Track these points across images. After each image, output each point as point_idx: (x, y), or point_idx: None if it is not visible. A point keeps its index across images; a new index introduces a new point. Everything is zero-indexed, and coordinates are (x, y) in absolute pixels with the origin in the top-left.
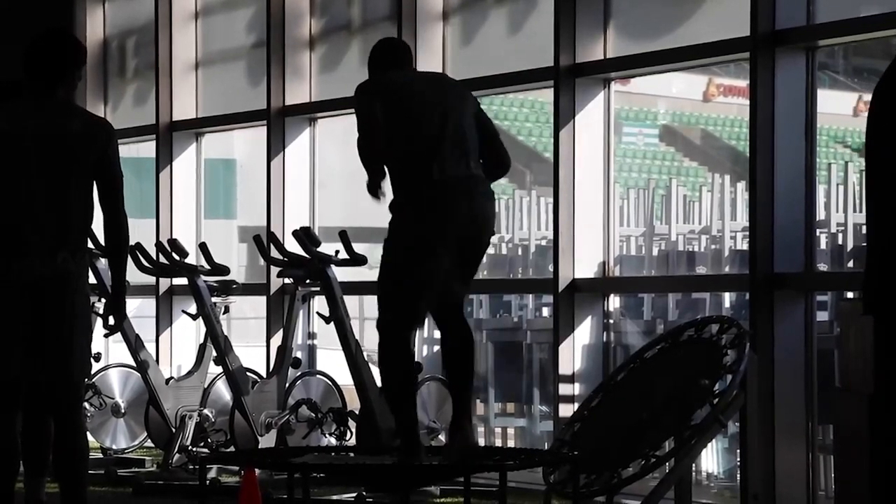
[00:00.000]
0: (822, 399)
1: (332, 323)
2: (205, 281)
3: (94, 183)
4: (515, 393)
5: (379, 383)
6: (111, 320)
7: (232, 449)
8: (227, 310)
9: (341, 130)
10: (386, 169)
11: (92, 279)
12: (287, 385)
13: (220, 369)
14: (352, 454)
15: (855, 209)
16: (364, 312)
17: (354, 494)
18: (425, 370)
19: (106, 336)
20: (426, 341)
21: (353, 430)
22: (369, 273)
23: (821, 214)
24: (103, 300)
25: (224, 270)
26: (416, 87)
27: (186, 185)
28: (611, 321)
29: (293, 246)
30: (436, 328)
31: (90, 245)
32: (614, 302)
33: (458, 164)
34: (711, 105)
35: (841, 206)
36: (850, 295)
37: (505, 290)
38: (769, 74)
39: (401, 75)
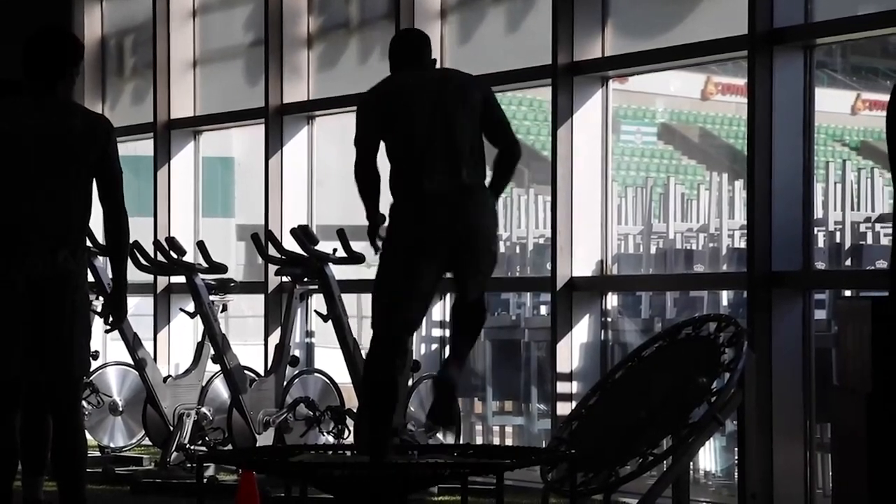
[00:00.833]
0: (820, 397)
1: (329, 321)
2: (203, 279)
3: (94, 181)
4: (513, 391)
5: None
6: (111, 318)
7: (230, 447)
8: (225, 308)
9: (339, 128)
10: (383, 215)
11: (90, 278)
12: (285, 383)
13: (218, 367)
14: (349, 453)
15: (853, 208)
16: (362, 311)
17: None
18: (423, 368)
19: (107, 332)
20: (424, 340)
21: (351, 428)
22: (367, 271)
23: (818, 213)
24: (101, 298)
25: (222, 269)
26: (415, 95)
27: (184, 183)
28: (609, 319)
29: (291, 244)
30: (434, 327)
31: (89, 243)
32: (612, 300)
33: (451, 176)
34: (709, 103)
35: (839, 205)
36: (847, 293)
37: (503, 289)
38: (767, 73)
39: (404, 80)
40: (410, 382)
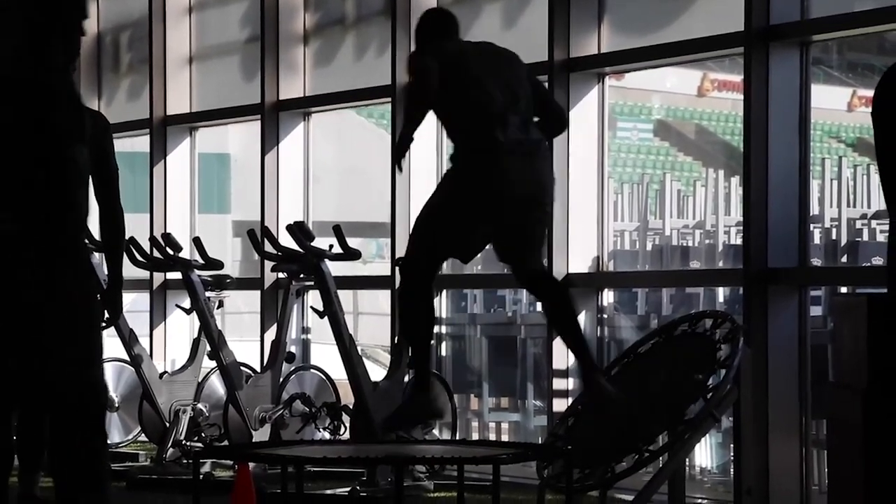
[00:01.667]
0: (816, 394)
1: (325, 317)
2: (199, 275)
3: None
4: (509, 388)
5: (404, 336)
6: (107, 314)
7: (226, 443)
8: (221, 304)
9: (335, 125)
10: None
11: None
12: (281, 379)
13: (214, 364)
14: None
15: (848, 204)
16: (358, 307)
17: (348, 489)
18: None
19: (102, 329)
20: None
21: (347, 424)
22: (363, 267)
23: (815, 209)
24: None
25: (218, 265)
26: (471, 56)
27: (180, 179)
28: (605, 316)
29: (287, 240)
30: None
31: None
32: (608, 296)
33: (520, 130)
34: (706, 100)
35: (835, 201)
36: (843, 290)
37: (499, 285)
38: (763, 69)
39: (453, 45)
40: (406, 379)
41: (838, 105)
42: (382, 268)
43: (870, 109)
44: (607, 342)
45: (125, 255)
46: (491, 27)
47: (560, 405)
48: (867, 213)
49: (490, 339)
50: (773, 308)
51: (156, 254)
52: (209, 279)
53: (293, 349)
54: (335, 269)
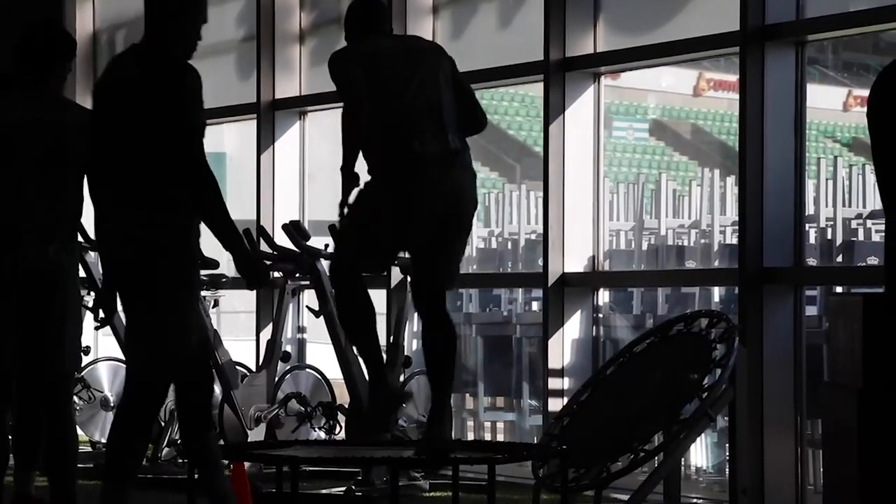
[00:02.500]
0: (811, 393)
1: (321, 317)
2: None
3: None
4: (505, 387)
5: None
6: (101, 314)
7: (221, 443)
8: (216, 303)
9: (332, 124)
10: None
11: (81, 273)
12: (276, 379)
13: None
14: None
15: (844, 204)
16: None
17: (343, 489)
18: (415, 364)
19: (96, 329)
20: (416, 335)
21: (343, 424)
22: None
23: (810, 209)
24: (93, 294)
25: (213, 264)
26: (393, 58)
27: None
28: (600, 315)
29: (283, 240)
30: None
31: (80, 238)
32: (604, 296)
33: (437, 139)
34: (701, 99)
35: (830, 201)
36: (839, 289)
37: (494, 285)
38: (759, 69)
39: (375, 43)
40: (402, 378)
41: (834, 105)
42: None
43: (865, 109)
44: (603, 342)
45: None
46: (487, 26)
47: (555, 405)
48: (863, 212)
49: (485, 338)
50: (769, 308)
51: None
52: (205, 278)
53: (289, 348)
54: None
